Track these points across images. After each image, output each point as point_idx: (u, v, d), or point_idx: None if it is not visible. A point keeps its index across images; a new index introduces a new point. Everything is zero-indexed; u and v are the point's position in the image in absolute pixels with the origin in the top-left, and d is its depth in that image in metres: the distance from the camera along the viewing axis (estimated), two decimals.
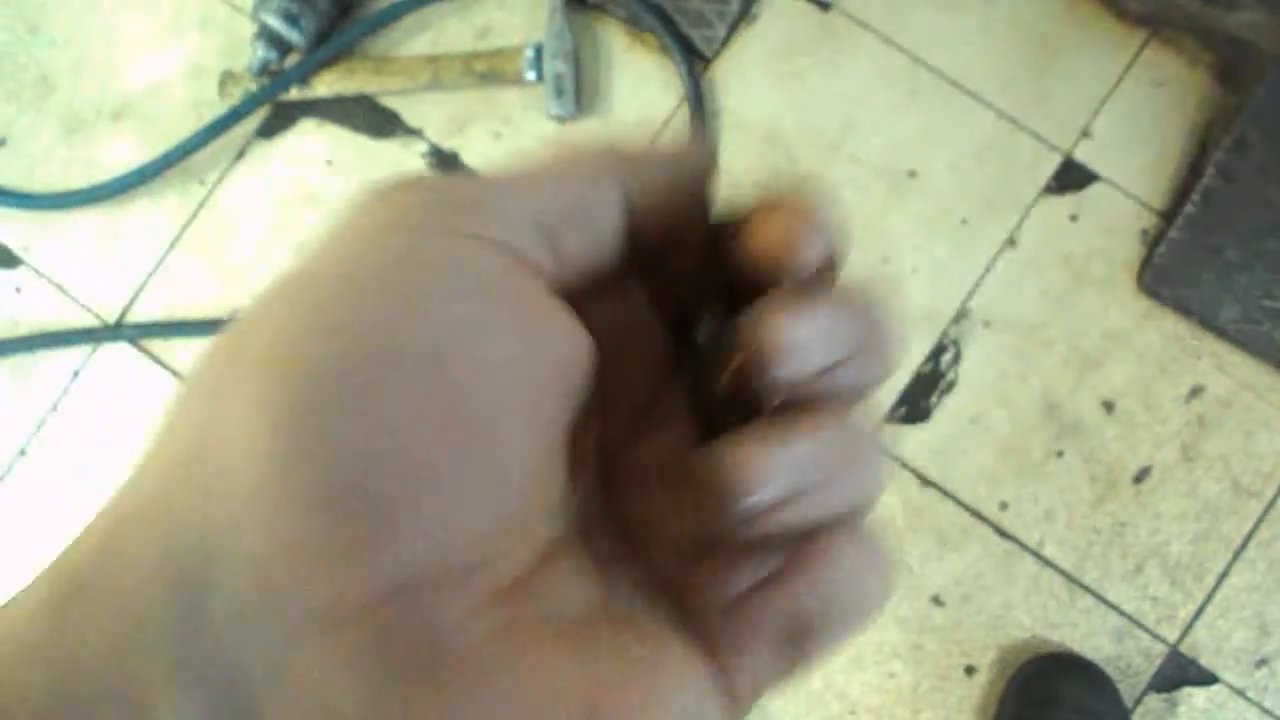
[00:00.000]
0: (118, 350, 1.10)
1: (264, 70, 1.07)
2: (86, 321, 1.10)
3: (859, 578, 0.20)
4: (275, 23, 1.04)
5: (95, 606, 0.15)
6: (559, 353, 0.19)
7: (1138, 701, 0.99)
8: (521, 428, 0.18)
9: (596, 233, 0.20)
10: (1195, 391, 1.01)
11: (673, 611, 0.20)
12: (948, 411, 1.02)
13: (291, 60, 1.08)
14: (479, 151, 1.08)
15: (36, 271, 1.12)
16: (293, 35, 1.04)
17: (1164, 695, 0.99)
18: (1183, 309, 1.01)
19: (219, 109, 1.08)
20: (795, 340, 0.19)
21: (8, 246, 1.12)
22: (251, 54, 1.06)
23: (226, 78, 1.09)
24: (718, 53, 1.05)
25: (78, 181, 1.11)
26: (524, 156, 0.20)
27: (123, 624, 0.15)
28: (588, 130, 1.00)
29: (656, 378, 0.23)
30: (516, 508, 0.18)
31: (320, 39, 1.06)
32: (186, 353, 1.09)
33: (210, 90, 1.10)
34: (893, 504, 1.01)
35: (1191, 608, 1.00)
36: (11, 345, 1.10)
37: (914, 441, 1.02)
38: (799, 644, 0.19)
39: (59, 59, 1.13)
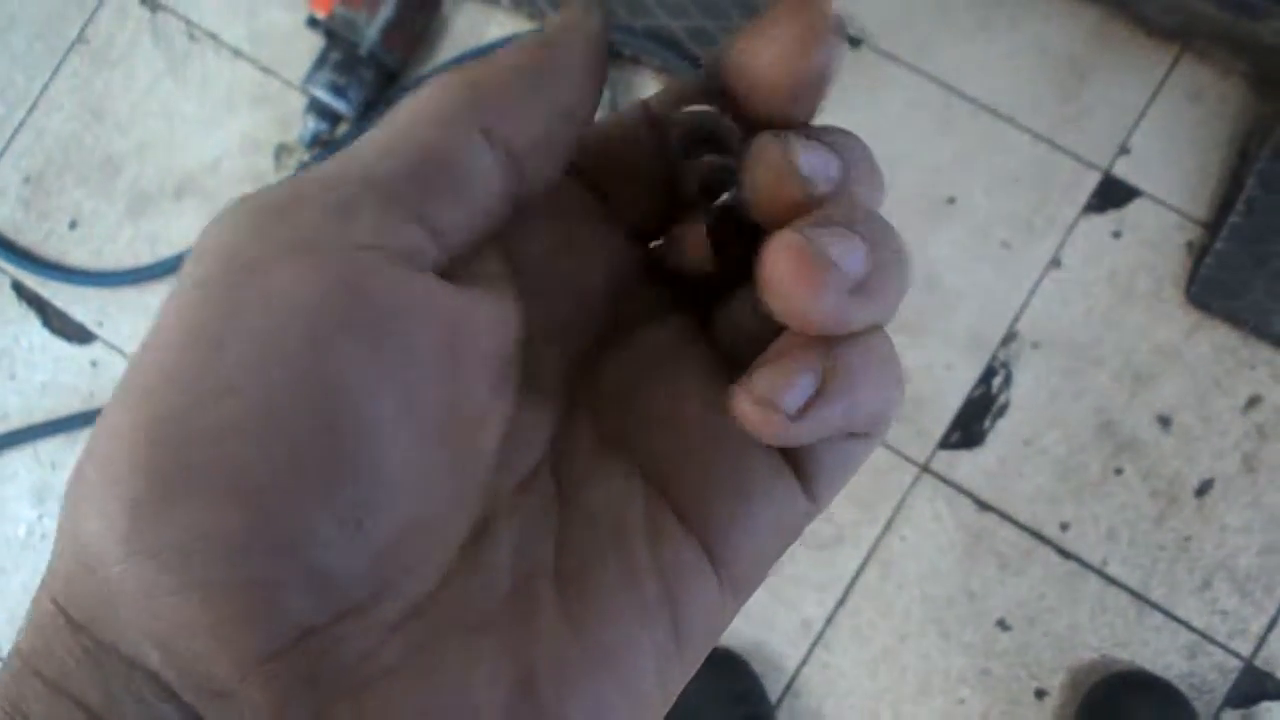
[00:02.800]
0: None
1: (316, 141, 1.11)
2: None
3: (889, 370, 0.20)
4: (324, 95, 1.09)
5: (40, 691, 0.17)
6: (435, 347, 0.18)
7: (1214, 718, 0.98)
8: (405, 444, 0.17)
9: (473, 198, 0.19)
10: (1252, 401, 1.00)
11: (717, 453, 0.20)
12: (1001, 435, 1.03)
13: (341, 130, 1.12)
14: None
15: (109, 345, 1.17)
16: (341, 106, 1.09)
17: (1242, 711, 0.98)
18: (1233, 320, 1.00)
19: (275, 180, 1.12)
20: (810, 152, 0.19)
21: (82, 323, 1.18)
22: (303, 126, 1.11)
23: (281, 149, 1.14)
24: None
25: (145, 257, 1.16)
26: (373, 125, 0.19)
27: (60, 708, 0.17)
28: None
29: (619, 285, 0.23)
30: (417, 532, 0.17)
31: (367, 108, 1.11)
32: None
33: (266, 162, 1.15)
34: (951, 529, 1.02)
35: (1264, 620, 0.98)
36: (90, 418, 1.15)
37: (969, 466, 1.02)
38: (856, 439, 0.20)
39: (122, 142, 1.19)
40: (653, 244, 0.23)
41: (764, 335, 0.19)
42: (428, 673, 0.17)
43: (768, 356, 0.19)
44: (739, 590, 0.20)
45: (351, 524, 0.16)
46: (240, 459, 0.16)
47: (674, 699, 0.19)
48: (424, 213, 0.18)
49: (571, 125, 0.20)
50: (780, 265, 0.18)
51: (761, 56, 0.19)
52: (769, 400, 0.18)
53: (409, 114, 0.19)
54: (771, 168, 0.19)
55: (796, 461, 0.20)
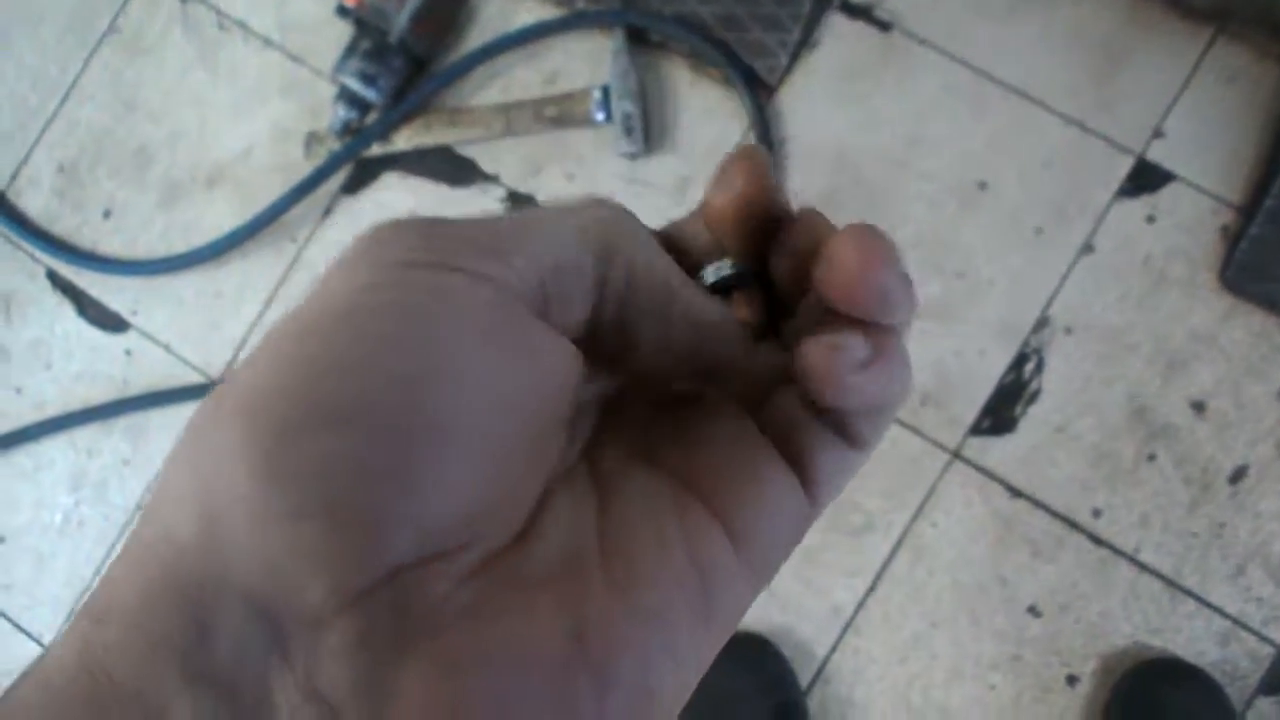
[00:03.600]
0: None
1: (346, 129, 1.12)
2: (193, 379, 1.16)
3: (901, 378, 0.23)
4: (354, 84, 1.09)
5: (114, 633, 0.18)
6: (540, 366, 0.21)
7: (1248, 705, 0.97)
8: (500, 426, 0.19)
9: (567, 297, 0.22)
10: None
11: (734, 448, 0.24)
12: (1034, 421, 1.02)
13: (371, 118, 1.13)
14: (554, 192, 1.11)
15: (144, 334, 1.18)
16: (371, 94, 1.09)
17: (1275, 698, 0.97)
18: (1268, 304, 0.99)
19: (305, 169, 1.13)
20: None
21: (116, 312, 1.19)
22: (333, 115, 1.11)
23: (311, 139, 1.14)
24: (781, 81, 1.07)
25: (178, 247, 1.17)
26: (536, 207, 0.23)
27: (138, 642, 0.17)
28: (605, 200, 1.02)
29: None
30: (497, 494, 0.20)
31: (397, 96, 1.11)
32: None
33: (296, 152, 1.15)
34: (983, 516, 1.02)
35: None
36: (125, 405, 1.16)
37: (1001, 452, 1.02)
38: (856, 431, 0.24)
39: (155, 133, 1.20)
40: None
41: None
42: (494, 619, 0.19)
43: (825, 329, 0.23)
44: (757, 571, 0.23)
45: (451, 477, 0.18)
46: (371, 395, 0.18)
47: (706, 666, 0.22)
48: (545, 286, 0.21)
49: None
50: (845, 258, 0.22)
51: (723, 198, 0.25)
52: (839, 345, 0.22)
53: (565, 219, 0.22)
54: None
55: (801, 467, 0.24)
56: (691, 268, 0.26)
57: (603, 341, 0.23)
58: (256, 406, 0.18)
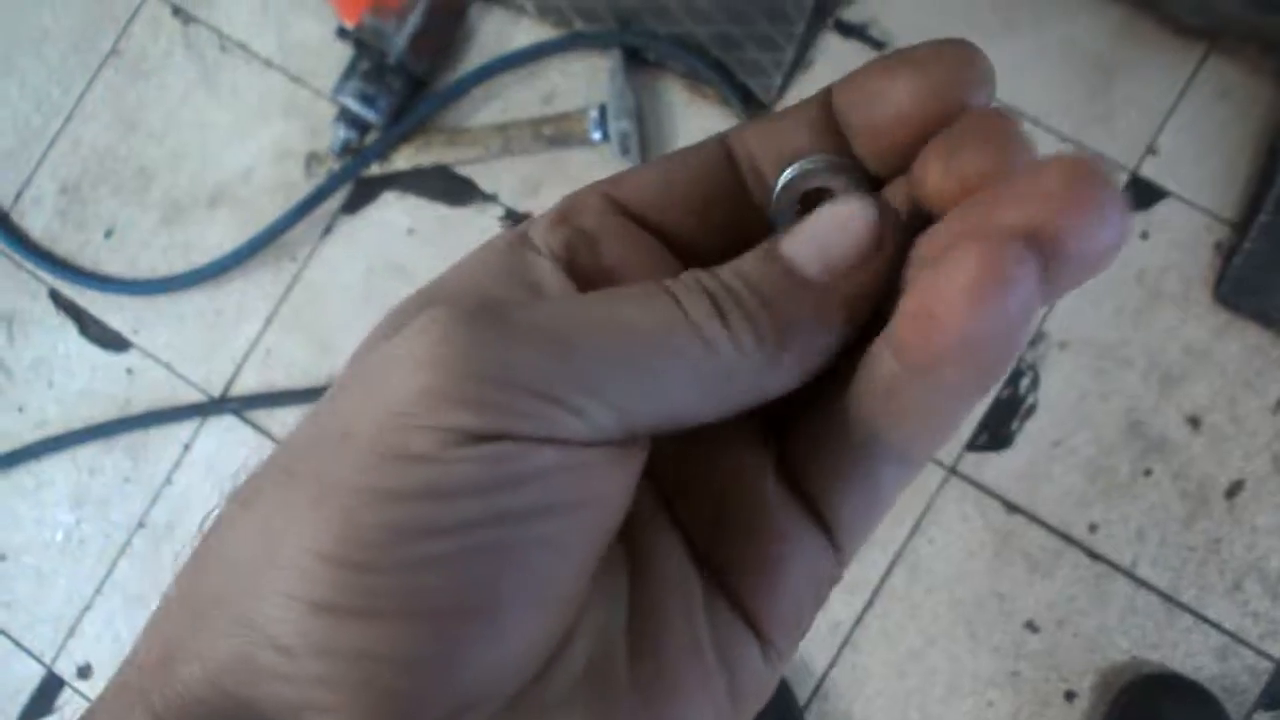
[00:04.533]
0: (224, 423, 1.16)
1: (345, 149, 1.13)
2: (193, 397, 1.17)
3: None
4: (353, 104, 1.10)
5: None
6: (604, 510, 0.19)
7: (1247, 719, 0.97)
8: (558, 587, 0.18)
9: (669, 401, 0.19)
10: None
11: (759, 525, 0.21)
12: (1030, 436, 1.03)
13: (371, 138, 1.14)
14: None
15: (144, 353, 1.19)
16: (370, 115, 1.10)
17: (1274, 713, 0.97)
18: (1262, 319, 1.00)
19: (305, 189, 1.14)
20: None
21: (118, 331, 1.20)
22: (333, 135, 1.12)
23: (311, 159, 1.15)
24: (776, 100, 1.08)
25: (179, 266, 1.18)
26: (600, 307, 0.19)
27: None
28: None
29: None
30: (541, 648, 0.19)
31: (396, 116, 1.12)
32: (288, 421, 1.15)
33: (296, 171, 1.16)
34: (980, 531, 1.02)
35: None
36: (125, 424, 1.17)
37: (997, 468, 1.02)
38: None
39: (156, 152, 1.21)
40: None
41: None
42: None
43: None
44: (782, 653, 0.21)
45: (501, 649, 0.18)
46: (422, 590, 0.17)
47: None
48: (619, 402, 0.18)
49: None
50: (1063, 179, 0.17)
51: (899, 89, 0.20)
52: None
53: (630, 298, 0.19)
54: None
55: (823, 519, 0.21)
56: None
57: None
58: (310, 574, 0.17)
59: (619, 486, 0.19)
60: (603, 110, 1.08)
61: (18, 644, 1.18)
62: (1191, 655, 0.98)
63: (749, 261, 0.20)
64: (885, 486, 0.21)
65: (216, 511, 0.19)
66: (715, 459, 0.22)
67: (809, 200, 0.21)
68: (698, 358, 0.19)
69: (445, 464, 0.17)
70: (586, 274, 0.22)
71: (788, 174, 0.21)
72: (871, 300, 0.20)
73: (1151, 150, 1.04)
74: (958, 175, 0.19)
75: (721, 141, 0.23)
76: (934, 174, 0.20)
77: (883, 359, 0.19)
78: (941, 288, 0.17)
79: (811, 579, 0.21)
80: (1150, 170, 1.03)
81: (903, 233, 0.20)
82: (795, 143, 0.22)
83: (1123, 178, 1.04)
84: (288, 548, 0.17)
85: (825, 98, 0.22)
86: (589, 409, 0.18)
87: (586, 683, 0.19)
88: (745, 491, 0.21)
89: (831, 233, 0.19)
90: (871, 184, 0.21)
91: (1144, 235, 1.03)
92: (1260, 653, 0.98)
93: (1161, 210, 1.03)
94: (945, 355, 0.17)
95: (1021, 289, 0.16)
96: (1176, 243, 1.03)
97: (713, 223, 0.23)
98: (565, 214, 0.22)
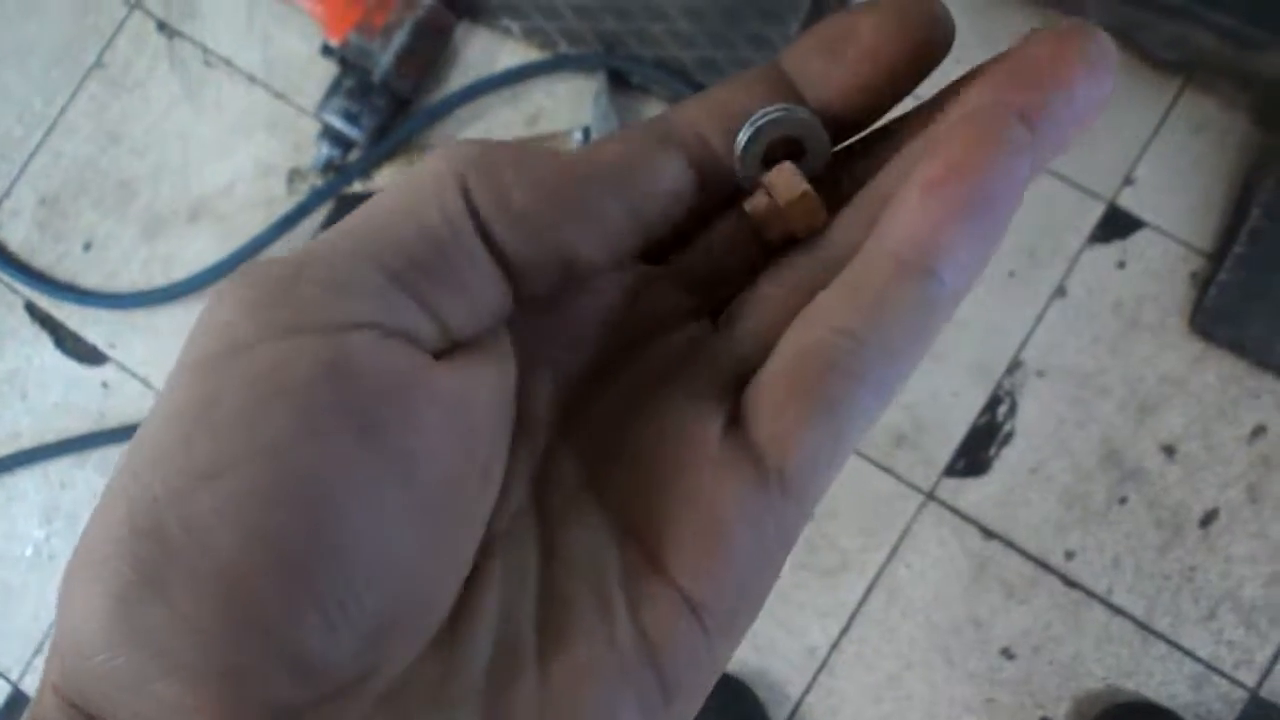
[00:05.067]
0: None
1: (328, 166, 1.13)
2: None
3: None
4: (337, 121, 1.10)
5: None
6: (461, 423, 0.18)
7: None
8: (396, 527, 0.17)
9: (475, 294, 0.18)
10: (1257, 431, 1.01)
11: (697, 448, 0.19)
12: (1007, 463, 1.03)
13: (354, 155, 1.14)
14: None
15: (121, 367, 1.18)
16: (354, 132, 1.10)
17: None
18: (1238, 350, 1.01)
19: (288, 205, 1.14)
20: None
21: (94, 344, 1.19)
22: (316, 151, 1.12)
23: (294, 175, 1.15)
24: None
25: (158, 280, 1.17)
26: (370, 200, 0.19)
27: None
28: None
29: (620, 302, 0.22)
30: (410, 603, 0.17)
31: (380, 134, 1.12)
32: None
33: (279, 187, 1.16)
34: (956, 557, 1.02)
35: (1269, 651, 0.98)
36: (99, 438, 1.16)
37: (975, 494, 1.03)
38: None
39: (138, 166, 1.20)
40: (747, 206, 0.21)
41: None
42: None
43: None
44: (727, 631, 0.19)
45: (336, 610, 0.16)
46: (221, 548, 0.15)
47: None
48: (423, 296, 0.18)
49: (621, 233, 0.20)
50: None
51: (863, 26, 0.20)
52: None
53: (416, 184, 0.18)
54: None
55: (780, 470, 0.19)
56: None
57: (532, 287, 0.19)
58: (102, 566, 0.16)
59: (477, 391, 0.18)
60: (586, 132, 1.08)
61: None
62: (1166, 683, 0.99)
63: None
64: (854, 419, 0.19)
65: None
66: (652, 420, 0.20)
67: (775, 151, 0.21)
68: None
69: (232, 365, 0.16)
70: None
71: (749, 128, 0.21)
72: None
73: (1129, 181, 1.05)
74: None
75: (661, 118, 0.21)
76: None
77: (870, 264, 0.19)
78: (948, 155, 0.18)
79: (760, 547, 0.19)
80: (1128, 201, 1.05)
81: (843, 245, 0.21)
82: (746, 104, 0.21)
83: (1099, 208, 1.05)
84: (91, 538, 0.16)
85: (772, 64, 0.21)
86: (392, 293, 0.17)
87: (490, 675, 0.18)
88: (686, 451, 0.19)
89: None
90: (832, 131, 0.21)
91: (1121, 265, 1.04)
92: (1234, 681, 0.98)
93: (1138, 240, 1.04)
94: (952, 222, 0.18)
95: (1022, 146, 0.18)
96: (1153, 273, 1.04)
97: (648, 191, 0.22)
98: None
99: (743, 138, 0.21)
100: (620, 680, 0.18)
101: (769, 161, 0.21)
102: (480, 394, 0.18)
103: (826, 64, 0.21)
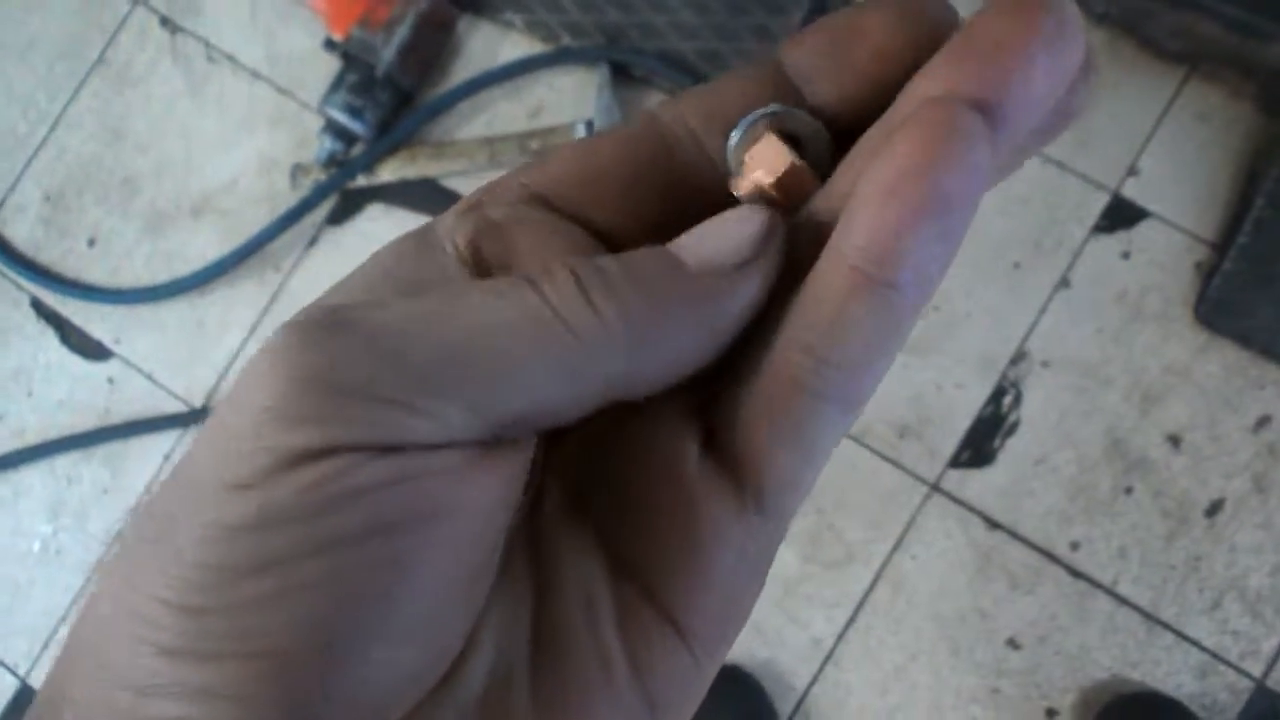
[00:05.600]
0: None
1: (331, 161, 1.13)
2: (174, 408, 1.16)
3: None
4: (340, 116, 1.10)
5: None
6: (466, 522, 0.17)
7: None
8: (422, 613, 0.17)
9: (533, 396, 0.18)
10: (1263, 421, 1.00)
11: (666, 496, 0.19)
12: (1012, 454, 1.03)
13: (357, 150, 1.14)
14: None
15: (126, 362, 1.18)
16: (357, 127, 1.10)
17: None
18: (1242, 339, 1.01)
19: (291, 200, 1.14)
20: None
21: (99, 340, 1.19)
22: (319, 146, 1.12)
23: (297, 170, 1.15)
24: None
25: (162, 275, 1.18)
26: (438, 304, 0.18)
27: None
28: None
29: None
30: (418, 668, 0.17)
31: (382, 129, 1.12)
32: None
33: (282, 182, 1.16)
34: (962, 548, 1.02)
35: (1275, 640, 0.98)
36: (106, 434, 1.16)
37: (980, 485, 1.03)
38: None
39: (141, 162, 1.20)
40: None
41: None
42: None
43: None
44: (712, 649, 0.19)
45: (359, 685, 0.16)
46: (255, 630, 0.16)
47: None
48: (473, 399, 0.17)
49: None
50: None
51: (870, 24, 0.19)
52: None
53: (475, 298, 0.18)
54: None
55: (756, 485, 0.19)
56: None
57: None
58: (151, 618, 0.16)
59: (489, 490, 0.17)
60: (589, 125, 1.08)
61: None
62: (1172, 674, 0.99)
63: (640, 250, 0.19)
64: (824, 434, 0.19)
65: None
66: (632, 443, 0.20)
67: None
68: (561, 345, 0.17)
69: (269, 490, 0.16)
70: (492, 267, 0.20)
71: (740, 128, 0.20)
72: (757, 299, 0.19)
73: (1133, 171, 1.05)
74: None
75: (650, 116, 0.21)
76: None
77: (827, 278, 0.18)
78: (898, 157, 0.17)
79: (742, 563, 0.19)
80: (1132, 191, 1.04)
81: (806, 245, 0.19)
82: (741, 102, 0.20)
83: (1104, 198, 1.05)
84: (139, 593, 0.16)
85: (771, 60, 0.21)
86: (436, 409, 0.16)
87: (483, 707, 0.18)
88: (665, 475, 0.19)
89: (716, 230, 0.19)
90: (832, 134, 0.20)
91: (1125, 255, 1.04)
92: (1240, 671, 0.98)
93: (1142, 230, 1.04)
94: (908, 229, 0.17)
95: (977, 139, 0.17)
96: (1157, 263, 1.04)
97: (641, 202, 0.21)
98: (476, 203, 0.21)
99: (734, 137, 0.20)
100: (611, 707, 0.18)
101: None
102: (512, 487, 0.18)
103: (831, 62, 0.20)
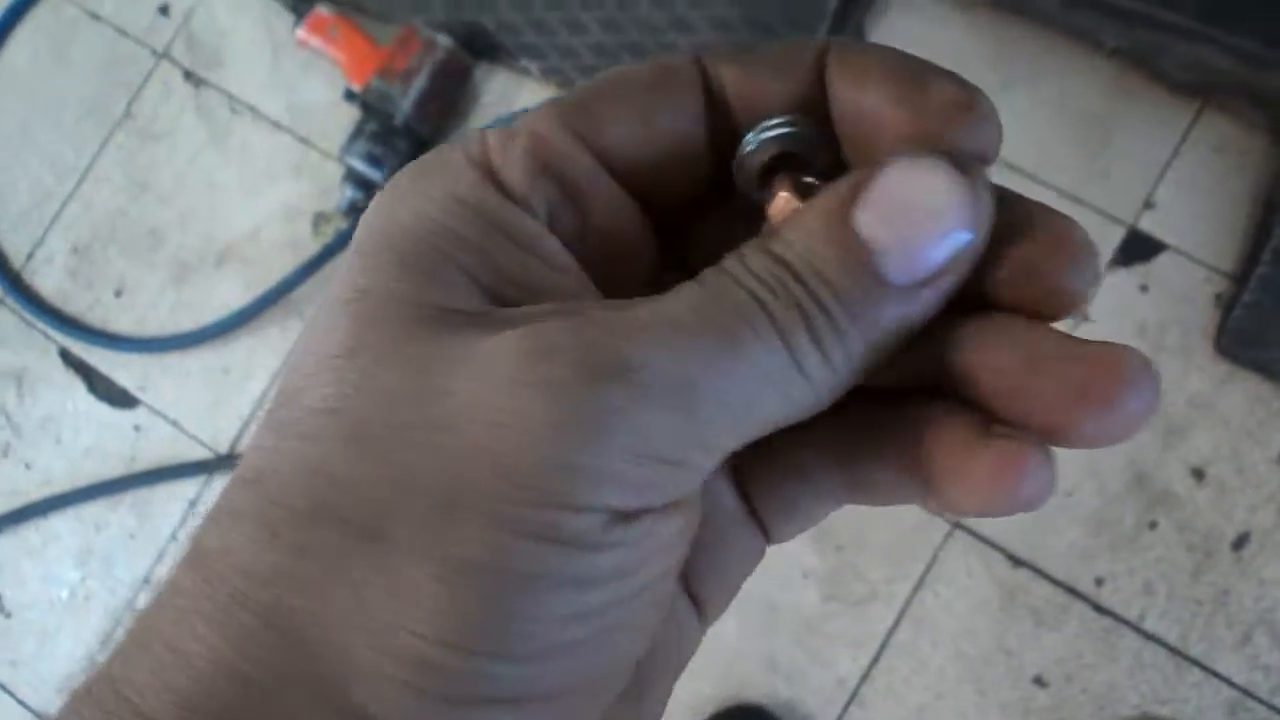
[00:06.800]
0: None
1: (352, 209, 1.14)
2: (200, 454, 1.17)
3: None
4: (360, 165, 1.12)
5: None
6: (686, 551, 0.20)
7: None
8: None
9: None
10: None
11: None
12: None
13: None
14: None
15: (152, 410, 1.20)
16: (376, 175, 1.12)
17: None
18: (1264, 370, 1.00)
19: (313, 248, 1.16)
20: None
21: (126, 388, 1.21)
22: (340, 195, 1.14)
23: (319, 218, 1.17)
24: None
25: (187, 324, 1.19)
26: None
27: None
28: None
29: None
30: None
31: None
32: None
33: (304, 230, 1.18)
34: (985, 585, 1.01)
35: None
36: (132, 481, 1.18)
37: (1002, 521, 1.02)
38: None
39: (166, 213, 1.23)
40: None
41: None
42: None
43: None
44: (711, 621, 0.22)
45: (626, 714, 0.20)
46: (559, 674, 0.17)
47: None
48: (721, 446, 0.18)
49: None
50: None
51: (885, 94, 0.19)
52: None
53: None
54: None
55: (764, 525, 0.22)
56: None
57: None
58: (423, 663, 0.17)
59: (698, 521, 0.19)
60: None
61: (21, 703, 1.18)
62: (1202, 710, 0.97)
63: (822, 254, 0.17)
64: (829, 512, 0.22)
65: (242, 558, 0.17)
66: None
67: (775, 165, 0.20)
68: (800, 393, 0.18)
69: (598, 550, 0.16)
70: (567, 239, 0.20)
71: (757, 135, 0.19)
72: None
73: (1149, 204, 1.05)
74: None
75: (698, 75, 0.20)
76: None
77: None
78: (962, 482, 0.19)
79: (746, 563, 0.22)
80: (1148, 224, 1.04)
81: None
82: (777, 98, 0.20)
83: (1120, 232, 1.05)
84: (400, 632, 0.16)
85: (819, 56, 0.20)
86: (702, 463, 0.17)
87: None
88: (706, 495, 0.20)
89: (911, 233, 0.18)
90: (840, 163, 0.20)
91: (1144, 289, 1.04)
92: (1271, 707, 0.97)
93: (1161, 263, 1.04)
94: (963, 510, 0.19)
95: (1040, 478, 0.19)
96: (1176, 296, 1.03)
97: (688, 177, 0.21)
98: (544, 160, 0.19)
99: (745, 146, 0.20)
100: (669, 683, 0.22)
101: (768, 171, 0.20)
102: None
103: (853, 101, 0.20)
